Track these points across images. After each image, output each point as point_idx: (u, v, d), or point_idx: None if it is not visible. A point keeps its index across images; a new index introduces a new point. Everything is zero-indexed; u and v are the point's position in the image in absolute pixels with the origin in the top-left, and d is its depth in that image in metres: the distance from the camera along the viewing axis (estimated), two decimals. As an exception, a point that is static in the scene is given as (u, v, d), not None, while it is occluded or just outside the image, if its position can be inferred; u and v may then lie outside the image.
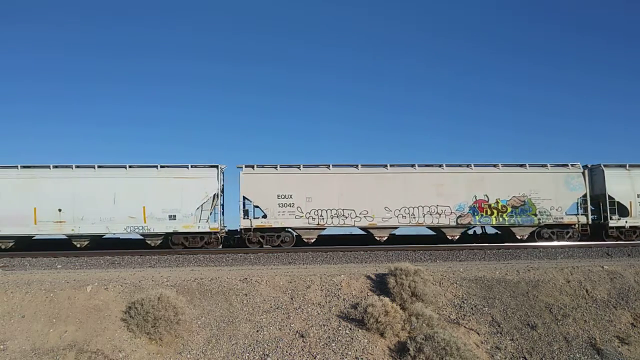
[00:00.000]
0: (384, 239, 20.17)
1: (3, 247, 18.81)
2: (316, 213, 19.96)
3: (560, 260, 14.22)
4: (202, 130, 67.08)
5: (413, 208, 20.34)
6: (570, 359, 9.30)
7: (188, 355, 8.80)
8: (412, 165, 20.88)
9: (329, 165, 20.59)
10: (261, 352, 8.90)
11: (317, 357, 8.85)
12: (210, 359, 8.76)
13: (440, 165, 20.94)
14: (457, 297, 10.64)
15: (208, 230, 19.31)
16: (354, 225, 20.22)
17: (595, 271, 11.63)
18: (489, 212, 20.63)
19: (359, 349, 9.05)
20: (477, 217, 20.55)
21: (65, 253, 17.27)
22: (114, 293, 9.90)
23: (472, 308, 10.33)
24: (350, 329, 9.49)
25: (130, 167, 19.57)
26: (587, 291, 11.02)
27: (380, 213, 20.16)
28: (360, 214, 20.13)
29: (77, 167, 19.40)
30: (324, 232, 20.39)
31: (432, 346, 8.64)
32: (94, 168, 19.44)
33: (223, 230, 19.99)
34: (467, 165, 21.11)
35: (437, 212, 20.38)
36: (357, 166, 20.69)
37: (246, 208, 20.08)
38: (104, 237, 19.84)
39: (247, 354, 8.86)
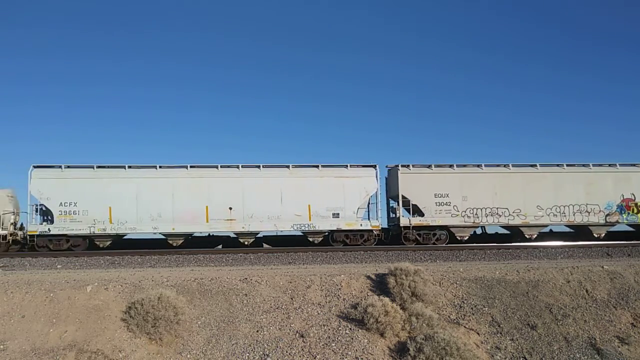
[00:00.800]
0: (534, 236, 20.96)
1: (174, 244, 19.39)
2: (472, 212, 20.90)
3: (560, 260, 14.22)
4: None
5: (564, 207, 21.24)
6: (570, 359, 9.30)
7: (188, 355, 8.80)
8: (561, 165, 21.79)
9: (480, 165, 21.58)
10: (261, 352, 8.90)
11: (317, 357, 8.85)
12: (210, 359, 8.77)
13: (587, 165, 21.84)
14: (457, 297, 10.64)
15: (369, 227, 20.15)
16: (507, 224, 21.09)
17: (595, 271, 11.63)
18: (635, 211, 21.51)
19: (359, 349, 9.05)
20: (624, 215, 21.43)
21: (65, 253, 17.29)
22: (114, 293, 9.90)
23: (472, 308, 10.33)
24: (350, 329, 9.49)
25: (293, 166, 20.49)
26: (587, 291, 11.02)
27: (532, 211, 21.10)
28: (513, 212, 21.02)
29: (243, 166, 20.39)
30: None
31: (432, 346, 8.64)
32: (259, 168, 20.40)
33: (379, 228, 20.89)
34: (614, 165, 21.96)
35: (586, 211, 21.28)
36: (508, 166, 21.66)
37: (405, 207, 21.00)
38: (266, 235, 20.82)
39: (247, 354, 8.86)
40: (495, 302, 10.52)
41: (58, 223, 18.97)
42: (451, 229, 20.68)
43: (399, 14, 68.62)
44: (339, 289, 10.60)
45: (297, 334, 9.35)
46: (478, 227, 21.10)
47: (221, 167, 20.17)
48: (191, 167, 20.02)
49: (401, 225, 20.45)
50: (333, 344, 9.12)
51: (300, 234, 20.24)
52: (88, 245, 19.29)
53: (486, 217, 20.87)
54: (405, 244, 19.82)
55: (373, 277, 11.07)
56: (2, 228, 19.02)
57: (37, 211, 19.26)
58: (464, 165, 21.51)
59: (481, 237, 21.54)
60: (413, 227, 20.29)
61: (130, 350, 8.68)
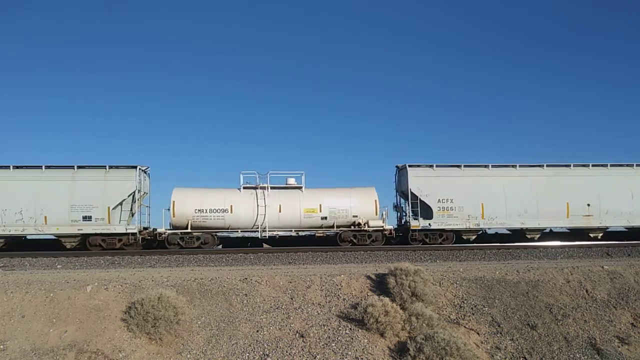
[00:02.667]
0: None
1: (535, 238, 20.66)
2: None
3: (560, 260, 14.22)
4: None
5: None
6: (570, 359, 9.30)
7: (188, 355, 8.80)
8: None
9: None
10: (261, 352, 8.90)
11: (317, 357, 8.85)
12: (210, 359, 8.76)
13: None
14: (457, 297, 10.64)
15: None
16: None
17: (595, 271, 11.64)
18: None
19: (359, 349, 9.05)
20: None
21: (65, 253, 17.28)
22: (114, 293, 9.90)
23: (472, 308, 10.33)
24: (350, 329, 9.49)
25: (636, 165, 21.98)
26: (587, 291, 11.02)
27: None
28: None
29: (594, 165, 21.74)
30: None
31: (432, 346, 8.64)
32: (607, 167, 21.75)
33: None
34: None
35: None
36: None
37: None
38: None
39: (247, 354, 8.86)
40: (495, 302, 10.52)
41: (437, 218, 20.33)
42: None
43: (391, 26, 68.91)
44: (339, 289, 10.60)
45: (297, 334, 9.35)
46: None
47: (574, 166, 21.66)
48: (547, 166, 21.51)
49: None
50: (333, 344, 9.12)
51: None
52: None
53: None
54: None
55: (373, 277, 11.07)
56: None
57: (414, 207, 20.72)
58: None
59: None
60: None
61: (130, 350, 8.68)
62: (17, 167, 19.39)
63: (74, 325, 9.07)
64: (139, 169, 19.89)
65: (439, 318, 9.81)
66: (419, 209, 20.41)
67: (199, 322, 9.49)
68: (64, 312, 9.34)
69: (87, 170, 19.65)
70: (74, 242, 18.99)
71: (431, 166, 21.13)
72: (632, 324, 10.24)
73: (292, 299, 10.24)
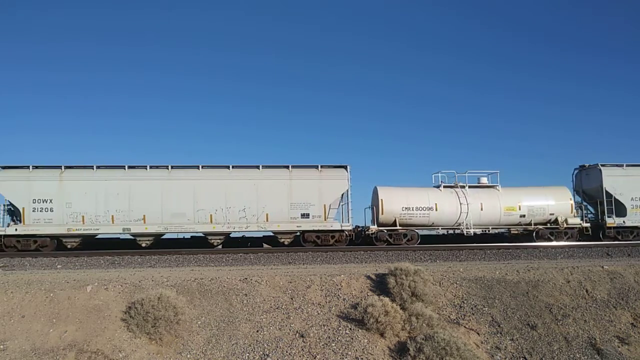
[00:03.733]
0: None
1: None
2: None
3: (560, 260, 14.22)
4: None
5: None
6: (570, 359, 9.30)
7: (188, 355, 8.80)
8: None
9: None
10: (261, 352, 8.90)
11: (317, 357, 8.85)
12: (210, 359, 8.76)
13: None
14: (457, 297, 10.64)
15: None
16: None
17: (595, 271, 11.64)
18: None
19: (359, 349, 9.05)
20: None
21: (66, 253, 17.28)
22: (114, 293, 9.90)
23: (472, 308, 10.33)
24: (350, 329, 9.49)
25: None
26: (587, 291, 11.02)
27: None
28: None
29: None
30: None
31: (432, 346, 8.64)
32: None
33: None
34: None
35: None
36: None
37: None
38: None
39: (247, 354, 8.86)
40: (495, 302, 10.51)
41: (630, 216, 21.50)
42: None
43: (393, 27, 68.90)
44: (339, 289, 10.60)
45: (297, 334, 9.35)
46: None
47: None
48: None
49: None
50: (333, 344, 9.12)
51: None
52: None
53: None
54: None
55: (373, 277, 11.07)
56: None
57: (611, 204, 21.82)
58: None
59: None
60: None
61: (130, 350, 8.68)
62: (236, 167, 20.21)
63: (74, 325, 9.07)
64: (348, 168, 20.75)
65: (439, 318, 9.81)
66: (613, 207, 21.58)
67: (199, 322, 9.49)
68: (64, 312, 9.34)
69: (302, 169, 20.44)
70: (289, 238, 19.85)
71: (621, 166, 22.24)
72: (632, 324, 10.24)
73: (292, 299, 10.23)
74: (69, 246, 18.80)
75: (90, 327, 9.02)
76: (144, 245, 19.03)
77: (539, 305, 10.49)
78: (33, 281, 10.28)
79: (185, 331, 9.19)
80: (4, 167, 19.44)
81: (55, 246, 18.92)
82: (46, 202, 18.89)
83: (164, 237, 20.17)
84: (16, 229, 18.54)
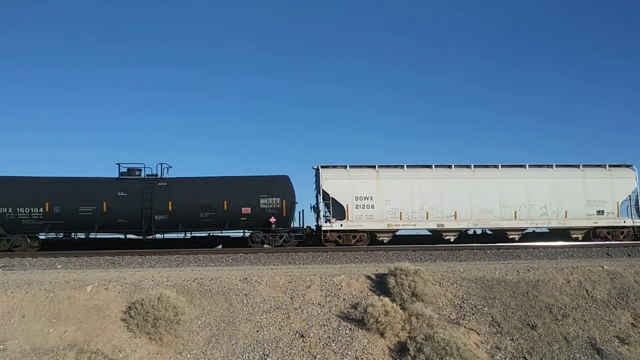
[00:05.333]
0: None
1: None
2: None
3: (560, 260, 14.22)
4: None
5: None
6: (570, 359, 9.30)
7: (188, 355, 8.80)
8: None
9: None
10: (261, 352, 8.90)
11: (317, 357, 8.85)
12: (210, 359, 8.76)
13: None
14: (457, 297, 10.64)
15: None
16: None
17: (595, 271, 11.63)
18: None
19: (359, 349, 9.05)
20: None
21: (66, 253, 17.27)
22: (114, 293, 9.90)
23: (472, 308, 10.33)
24: (350, 329, 9.49)
25: None
26: (587, 291, 11.02)
27: None
28: None
29: None
30: None
31: (432, 346, 8.64)
32: None
33: None
34: None
35: None
36: None
37: None
38: None
39: (247, 354, 8.86)
40: (495, 302, 10.52)
41: None
42: None
43: (401, 20, 68.78)
44: (339, 289, 10.59)
45: (297, 334, 9.35)
46: None
47: None
48: None
49: None
50: (333, 344, 9.12)
51: None
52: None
53: None
54: None
55: (373, 277, 11.07)
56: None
57: None
58: None
59: None
60: None
61: (130, 350, 8.68)
62: (532, 166, 21.66)
63: (74, 325, 9.07)
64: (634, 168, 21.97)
65: (439, 318, 9.81)
66: None
67: (199, 322, 9.49)
68: (64, 312, 9.34)
69: (592, 168, 21.90)
70: (581, 234, 21.06)
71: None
72: (632, 324, 10.24)
73: (292, 299, 10.23)
74: (385, 241, 20.31)
75: (90, 327, 9.02)
76: (452, 240, 20.52)
77: (539, 305, 10.49)
78: (33, 281, 10.27)
79: (185, 331, 9.19)
80: (324, 167, 20.93)
81: (368, 241, 20.22)
82: (367, 199, 20.32)
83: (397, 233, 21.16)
84: (341, 225, 19.99)
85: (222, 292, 10.26)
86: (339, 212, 20.27)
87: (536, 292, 10.86)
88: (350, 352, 8.95)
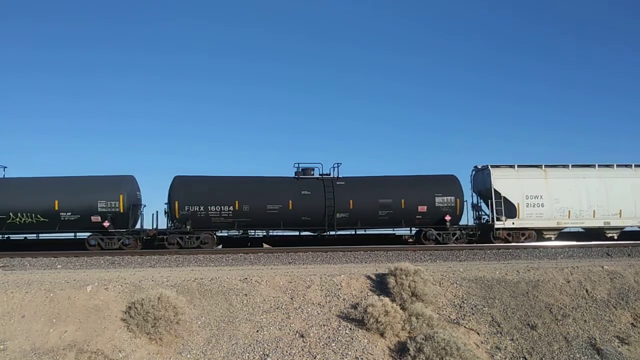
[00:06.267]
0: None
1: None
2: None
3: (560, 260, 14.22)
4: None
5: None
6: (570, 359, 9.30)
7: (188, 355, 8.80)
8: None
9: None
10: (261, 352, 8.90)
11: (317, 357, 8.85)
12: (210, 359, 8.77)
13: None
14: (457, 297, 10.64)
15: None
16: None
17: (595, 271, 11.64)
18: None
19: (359, 349, 9.05)
20: None
21: (66, 253, 17.27)
22: (114, 293, 9.90)
23: (472, 308, 10.33)
24: (350, 329, 9.49)
25: None
26: (587, 291, 11.02)
27: None
28: None
29: None
30: None
31: (432, 346, 8.64)
32: None
33: None
34: None
35: None
36: None
37: None
38: None
39: (247, 354, 8.86)
40: (495, 302, 10.52)
41: None
42: None
43: (404, 7, 68.67)
44: (339, 289, 10.60)
45: (297, 334, 9.35)
46: None
47: None
48: None
49: None
50: (333, 344, 9.12)
51: None
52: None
53: None
54: None
55: (373, 277, 11.07)
56: None
57: None
58: None
59: None
60: None
61: (130, 350, 8.68)
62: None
63: (74, 325, 9.07)
64: None
65: (439, 318, 9.81)
66: None
67: (199, 322, 9.49)
68: (64, 312, 9.34)
69: None
70: None
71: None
72: (632, 324, 10.24)
73: (292, 299, 10.23)
74: (552, 238, 20.82)
75: (90, 327, 9.02)
76: (615, 237, 20.92)
77: (539, 305, 10.49)
78: (33, 281, 10.27)
79: (185, 331, 9.19)
80: (494, 166, 21.37)
81: (535, 238, 20.69)
82: (537, 198, 20.96)
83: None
84: (513, 223, 20.61)
85: (222, 292, 10.26)
86: (510, 210, 20.89)
87: (536, 292, 10.86)
88: (350, 352, 8.95)
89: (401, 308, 9.75)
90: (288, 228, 20.17)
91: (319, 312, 9.92)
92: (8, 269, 13.85)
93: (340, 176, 20.60)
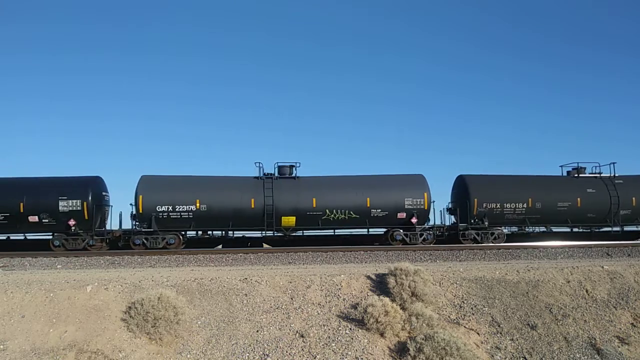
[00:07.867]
0: None
1: None
2: None
3: (560, 260, 14.22)
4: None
5: None
6: (570, 359, 9.30)
7: (188, 355, 8.80)
8: None
9: None
10: (261, 352, 8.90)
11: (317, 357, 8.85)
12: (210, 359, 8.76)
13: None
14: (457, 297, 10.64)
15: None
16: None
17: (595, 271, 11.64)
18: None
19: (359, 349, 9.05)
20: None
21: (66, 253, 17.29)
22: (114, 293, 9.90)
23: (472, 308, 10.33)
24: (350, 329, 9.49)
25: None
26: (587, 291, 11.02)
27: None
28: None
29: None
30: None
31: (432, 346, 8.64)
32: None
33: None
34: None
35: None
36: None
37: None
38: None
39: (247, 354, 8.86)
40: (495, 302, 10.51)
41: None
42: None
43: (400, 10, 68.71)
44: (339, 289, 10.59)
45: (297, 334, 9.35)
46: None
47: None
48: None
49: None
50: (333, 344, 9.12)
51: None
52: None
53: None
54: None
55: (373, 277, 11.07)
56: None
57: None
58: None
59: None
60: None
61: (130, 350, 8.68)
62: None
63: (74, 325, 9.07)
64: None
65: (439, 318, 9.81)
66: None
67: (199, 322, 9.49)
68: (64, 312, 9.34)
69: None
70: None
71: None
72: (632, 324, 10.24)
73: (292, 299, 10.23)
74: None
75: (90, 327, 9.02)
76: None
77: (539, 305, 10.49)
78: (33, 281, 10.27)
79: (185, 331, 9.19)
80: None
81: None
82: None
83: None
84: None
85: (222, 292, 10.26)
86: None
87: (536, 292, 10.86)
88: (350, 352, 8.95)
89: (401, 308, 9.75)
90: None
91: (319, 312, 9.92)
92: (8, 269, 13.85)
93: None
